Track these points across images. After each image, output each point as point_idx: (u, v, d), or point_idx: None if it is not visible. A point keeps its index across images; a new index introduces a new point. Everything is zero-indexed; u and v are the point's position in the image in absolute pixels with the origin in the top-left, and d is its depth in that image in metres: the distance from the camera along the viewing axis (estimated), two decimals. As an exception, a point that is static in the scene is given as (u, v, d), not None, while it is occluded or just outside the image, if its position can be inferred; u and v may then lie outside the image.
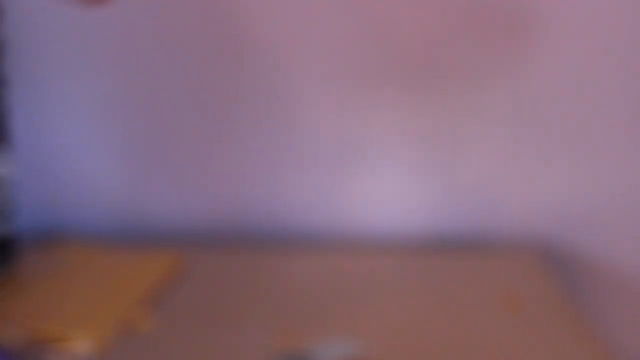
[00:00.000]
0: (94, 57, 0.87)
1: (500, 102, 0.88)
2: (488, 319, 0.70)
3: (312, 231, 0.92)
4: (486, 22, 0.84)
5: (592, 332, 0.68)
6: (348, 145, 0.88)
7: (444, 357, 0.62)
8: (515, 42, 0.85)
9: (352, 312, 0.71)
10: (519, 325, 0.69)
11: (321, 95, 0.87)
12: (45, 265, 0.81)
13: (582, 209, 0.91)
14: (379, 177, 0.90)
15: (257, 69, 0.86)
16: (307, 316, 0.70)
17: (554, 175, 0.90)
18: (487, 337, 0.66)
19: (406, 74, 0.86)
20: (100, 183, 0.92)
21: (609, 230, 0.91)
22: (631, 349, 0.95)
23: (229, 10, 0.85)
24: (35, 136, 0.90)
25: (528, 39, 0.85)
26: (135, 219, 0.92)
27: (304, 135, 0.88)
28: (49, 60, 0.87)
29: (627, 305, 0.94)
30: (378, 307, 0.72)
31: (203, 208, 0.91)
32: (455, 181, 0.90)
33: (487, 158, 0.89)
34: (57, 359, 0.63)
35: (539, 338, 0.66)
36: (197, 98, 0.88)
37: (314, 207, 0.91)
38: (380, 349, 0.63)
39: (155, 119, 0.89)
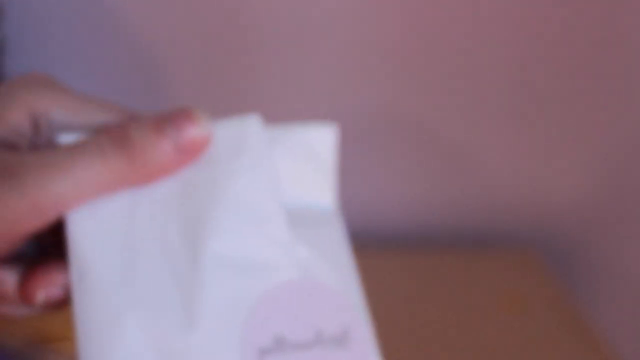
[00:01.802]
0: (94, 57, 0.87)
1: (500, 102, 0.88)
2: (488, 318, 0.70)
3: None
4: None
5: (593, 331, 0.68)
6: (346, 143, 0.88)
7: (445, 356, 0.62)
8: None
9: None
10: (519, 324, 0.69)
11: (320, 91, 0.87)
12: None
13: (584, 208, 0.91)
14: (379, 178, 0.90)
15: (253, 67, 0.86)
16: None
17: (555, 175, 0.90)
18: (487, 337, 0.66)
19: (406, 71, 0.86)
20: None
21: (610, 230, 0.91)
22: (632, 349, 0.95)
23: (230, 10, 0.85)
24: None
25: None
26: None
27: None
28: (49, 60, 0.87)
29: (627, 305, 0.94)
30: (378, 307, 0.72)
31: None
32: (456, 181, 0.90)
33: (488, 158, 0.89)
34: (57, 359, 0.63)
35: (540, 338, 0.66)
36: (199, 99, 0.88)
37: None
38: (380, 349, 0.63)
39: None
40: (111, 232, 0.29)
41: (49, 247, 0.31)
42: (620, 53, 0.86)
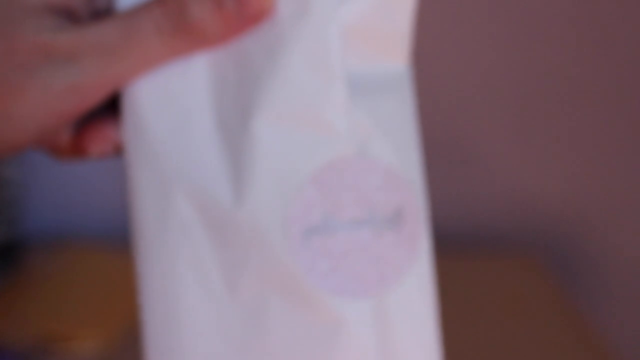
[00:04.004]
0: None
1: (503, 106, 0.87)
2: (490, 320, 0.69)
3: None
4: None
5: (594, 333, 0.68)
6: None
7: (446, 357, 0.62)
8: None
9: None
10: (520, 326, 0.68)
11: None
12: (51, 267, 0.80)
13: (586, 209, 0.90)
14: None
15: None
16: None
17: (557, 175, 0.90)
18: (488, 337, 0.66)
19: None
20: (106, 185, 0.91)
21: (611, 233, 0.91)
22: (632, 350, 0.94)
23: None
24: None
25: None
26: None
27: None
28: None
29: (629, 305, 0.93)
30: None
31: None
32: (458, 185, 0.89)
33: (491, 162, 0.89)
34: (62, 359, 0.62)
35: (541, 339, 0.66)
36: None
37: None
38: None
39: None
40: (167, 98, 0.29)
41: (104, 105, 0.31)
42: (622, 59, 0.86)
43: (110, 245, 0.92)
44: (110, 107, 0.31)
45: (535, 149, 0.89)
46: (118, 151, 0.31)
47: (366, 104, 0.29)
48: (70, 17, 0.29)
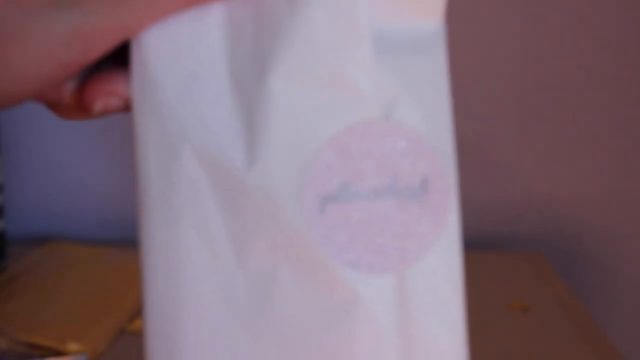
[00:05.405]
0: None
1: (508, 106, 0.87)
2: (493, 319, 0.69)
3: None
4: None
5: (598, 332, 0.67)
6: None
7: None
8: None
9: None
10: (523, 325, 0.68)
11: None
12: (37, 269, 0.79)
13: (588, 209, 0.90)
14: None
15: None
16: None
17: (560, 178, 0.89)
18: (491, 338, 0.65)
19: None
20: (94, 186, 0.90)
21: (614, 233, 0.90)
22: (636, 349, 0.93)
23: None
24: (28, 138, 0.88)
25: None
26: (130, 223, 0.90)
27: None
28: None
29: (631, 305, 0.92)
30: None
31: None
32: (461, 184, 0.89)
33: (494, 161, 0.88)
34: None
35: (544, 338, 0.66)
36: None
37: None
38: None
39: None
40: (178, 50, 0.27)
41: (110, 56, 0.30)
42: (628, 61, 0.86)
43: (99, 248, 0.90)
44: (119, 60, 0.29)
45: (540, 150, 0.89)
46: (126, 107, 0.29)
47: (394, 63, 0.27)
48: None
